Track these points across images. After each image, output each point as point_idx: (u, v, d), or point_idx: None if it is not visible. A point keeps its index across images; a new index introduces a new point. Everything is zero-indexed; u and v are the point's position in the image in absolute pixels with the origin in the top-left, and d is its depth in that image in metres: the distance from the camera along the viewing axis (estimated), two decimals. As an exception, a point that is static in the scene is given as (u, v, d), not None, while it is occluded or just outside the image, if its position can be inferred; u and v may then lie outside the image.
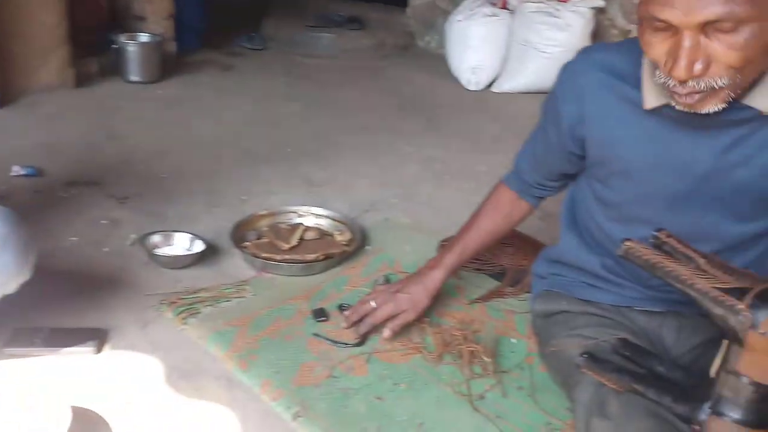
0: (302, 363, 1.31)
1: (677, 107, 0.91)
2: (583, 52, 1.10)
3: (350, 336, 1.38)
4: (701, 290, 0.85)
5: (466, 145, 2.66)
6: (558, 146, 1.14)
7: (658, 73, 0.89)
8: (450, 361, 1.34)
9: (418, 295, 1.32)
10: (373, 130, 2.77)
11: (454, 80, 3.53)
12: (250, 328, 1.39)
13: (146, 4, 3.29)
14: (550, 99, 1.14)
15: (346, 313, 1.40)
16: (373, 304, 1.34)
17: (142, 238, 1.71)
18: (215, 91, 3.16)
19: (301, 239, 1.73)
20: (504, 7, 3.38)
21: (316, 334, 1.40)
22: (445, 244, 1.77)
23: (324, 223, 1.85)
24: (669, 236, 1.00)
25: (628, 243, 0.95)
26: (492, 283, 1.64)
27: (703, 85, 0.85)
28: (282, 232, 1.74)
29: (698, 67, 0.83)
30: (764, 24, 0.79)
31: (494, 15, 3.33)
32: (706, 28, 0.80)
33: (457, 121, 2.98)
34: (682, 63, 0.82)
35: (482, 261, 1.67)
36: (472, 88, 3.43)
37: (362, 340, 1.37)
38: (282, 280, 1.61)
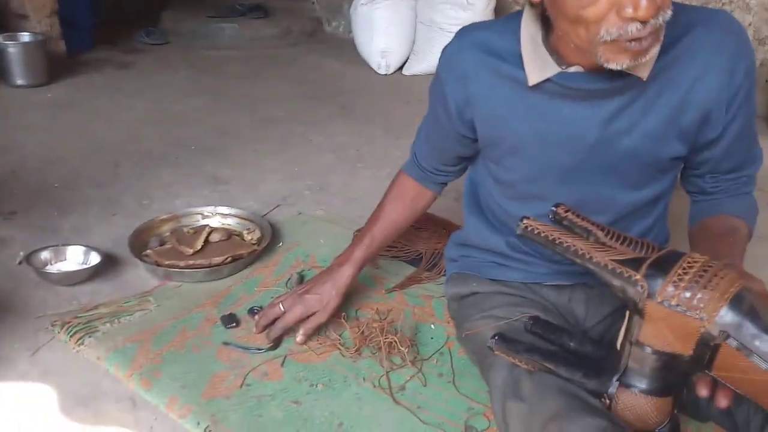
0: (212, 374, 1.23)
1: (616, 67, 0.84)
2: (461, 33, 1.05)
3: (263, 341, 1.31)
4: (599, 263, 0.84)
5: (379, 131, 2.62)
6: (450, 130, 1.11)
7: (603, 31, 0.81)
8: (369, 355, 1.30)
9: (327, 294, 1.27)
10: (282, 122, 2.69)
11: (365, 65, 3.48)
12: (153, 343, 1.30)
13: (26, 1, 3.05)
14: (435, 83, 1.11)
15: (257, 317, 1.34)
16: (281, 307, 1.28)
17: (30, 255, 1.57)
18: (112, 91, 2.98)
19: (207, 242, 1.64)
20: (407, -11, 3.35)
21: (226, 342, 1.32)
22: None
23: (231, 223, 1.76)
24: (567, 210, 0.99)
25: (526, 221, 0.92)
26: (409, 270, 1.61)
27: (661, 19, 0.80)
28: (185, 237, 1.65)
29: None
30: None
31: (398, -3, 3.29)
32: None
33: (370, 107, 2.94)
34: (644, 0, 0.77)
35: (398, 248, 1.64)
36: (382, 72, 3.39)
37: (276, 344, 1.31)
38: (187, 288, 1.51)
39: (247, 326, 1.37)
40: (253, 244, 1.66)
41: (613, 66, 0.85)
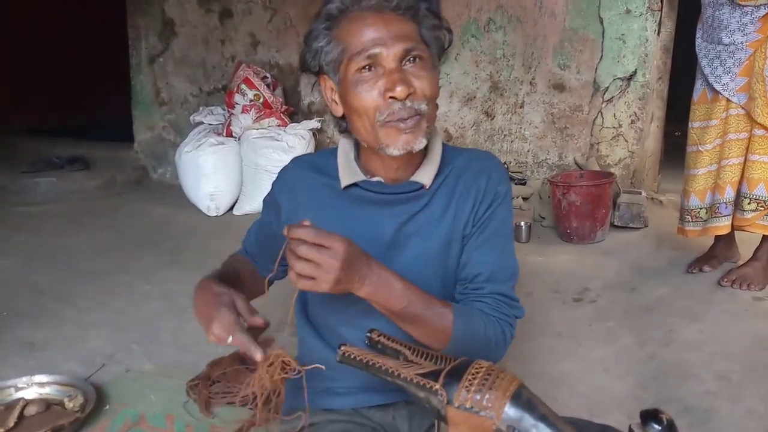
0: None
1: (395, 152, 1.06)
2: (295, 158, 1.28)
3: None
4: (406, 379, 0.94)
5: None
6: (278, 234, 1.21)
7: (377, 116, 1.04)
8: None
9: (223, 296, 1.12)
10: (105, 274, 2.60)
11: (194, 209, 3.52)
12: None
13: None
14: (270, 193, 1.27)
15: None
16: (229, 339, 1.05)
17: None
18: None
19: (22, 417, 1.51)
20: (230, 135, 3.52)
21: None
22: (194, 385, 1.69)
23: (50, 391, 1.64)
24: (380, 335, 1.10)
25: (343, 348, 1.01)
26: (248, 414, 1.59)
27: (416, 105, 1.04)
28: (-6, 415, 1.50)
29: (413, 84, 1.03)
30: (434, 72, 1.07)
31: (221, 143, 3.44)
32: (404, 61, 1.03)
33: (201, 250, 2.94)
34: (400, 84, 1.02)
35: (233, 393, 1.63)
36: (212, 214, 3.45)
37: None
38: (-3, 474, 1.37)
39: (70, 505, 1.26)
40: (76, 411, 1.55)
41: (394, 151, 1.06)
